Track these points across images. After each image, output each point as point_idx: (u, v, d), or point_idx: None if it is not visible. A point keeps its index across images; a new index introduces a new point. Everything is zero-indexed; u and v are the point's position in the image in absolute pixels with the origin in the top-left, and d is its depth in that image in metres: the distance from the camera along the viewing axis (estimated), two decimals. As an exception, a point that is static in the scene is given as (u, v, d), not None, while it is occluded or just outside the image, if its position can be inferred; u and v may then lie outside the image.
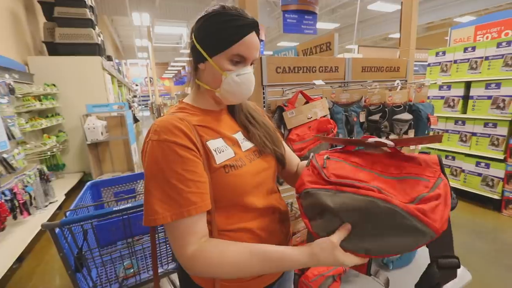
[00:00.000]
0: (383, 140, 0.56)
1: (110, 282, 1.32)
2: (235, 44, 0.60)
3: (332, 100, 1.48)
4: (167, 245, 1.42)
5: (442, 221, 0.45)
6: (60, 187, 3.45)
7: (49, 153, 3.43)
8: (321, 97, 1.36)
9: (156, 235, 1.43)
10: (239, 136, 0.71)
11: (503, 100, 2.67)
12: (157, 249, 1.42)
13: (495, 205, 2.85)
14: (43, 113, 3.72)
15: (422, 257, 1.85)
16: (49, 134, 3.67)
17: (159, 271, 1.42)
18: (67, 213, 1.12)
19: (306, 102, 1.34)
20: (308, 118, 1.29)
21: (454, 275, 0.56)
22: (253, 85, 0.67)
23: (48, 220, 2.62)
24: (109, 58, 5.83)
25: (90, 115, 3.79)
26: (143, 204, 0.57)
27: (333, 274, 1.39)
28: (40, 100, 3.43)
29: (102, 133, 3.74)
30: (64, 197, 3.26)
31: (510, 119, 2.65)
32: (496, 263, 2.07)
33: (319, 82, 1.28)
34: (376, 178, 0.53)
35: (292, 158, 0.85)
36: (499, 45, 2.66)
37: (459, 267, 0.55)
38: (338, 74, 1.56)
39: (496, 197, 2.82)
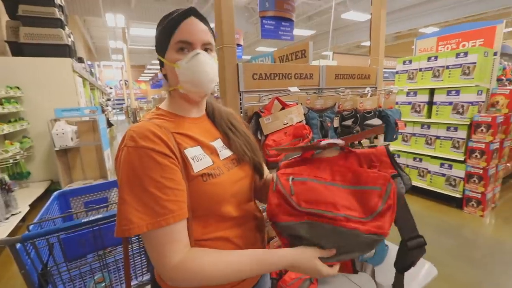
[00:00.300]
0: (333, 140, 0.62)
1: (79, 298, 1.25)
2: (174, 34, 0.62)
3: (307, 106, 1.53)
4: (142, 256, 1.37)
5: (391, 224, 0.55)
6: (24, 197, 3.20)
7: (11, 160, 3.19)
8: (297, 103, 1.40)
9: (130, 246, 1.39)
10: (218, 143, 0.71)
11: (462, 106, 2.91)
12: (131, 260, 1.37)
13: (458, 203, 3.08)
14: (4, 118, 3.45)
15: (393, 256, 1.94)
16: (11, 140, 3.41)
17: (133, 283, 1.36)
18: (30, 227, 1.05)
19: (282, 108, 1.37)
20: (284, 124, 1.32)
21: (423, 251, 0.65)
22: (209, 68, 0.64)
23: (10, 234, 2.42)
24: (80, 60, 5.55)
25: (59, 119, 3.57)
26: (116, 214, 0.55)
27: (310, 277, 1.42)
28: (1, 104, 3.18)
29: (72, 139, 3.54)
30: (28, 208, 3.03)
31: (468, 123, 2.89)
32: (459, 257, 2.23)
33: (294, 89, 1.31)
34: (339, 193, 0.59)
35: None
36: (457, 55, 2.90)
37: (425, 244, 0.64)
38: (312, 81, 1.62)
39: (458, 195, 3.04)
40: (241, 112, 1.38)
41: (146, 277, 1.36)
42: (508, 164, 3.51)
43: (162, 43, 0.64)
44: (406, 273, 2.01)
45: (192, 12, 0.62)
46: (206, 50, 0.65)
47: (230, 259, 0.57)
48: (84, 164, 3.96)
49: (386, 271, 1.82)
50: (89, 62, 7.69)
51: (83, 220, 0.98)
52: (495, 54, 3.07)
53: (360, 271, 0.69)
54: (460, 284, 1.92)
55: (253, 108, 1.37)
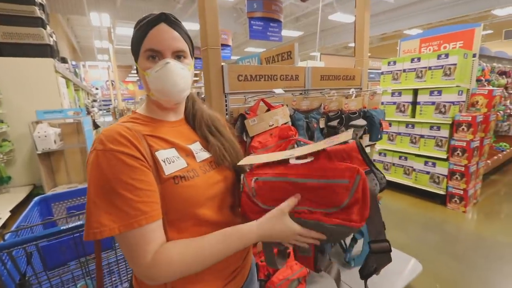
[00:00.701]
0: (300, 154, 0.62)
1: (61, 308, 1.21)
2: (144, 41, 0.61)
3: (293, 107, 1.54)
4: (121, 263, 1.35)
5: (363, 218, 0.54)
6: (5, 203, 3.09)
7: (-10, 165, 3.06)
8: (282, 105, 1.41)
9: (114, 252, 1.35)
10: (196, 146, 0.70)
11: (444, 106, 3.00)
12: (113, 267, 1.34)
13: (442, 200, 3.17)
14: (-18, 121, 3.31)
15: (380, 252, 1.98)
16: (-11, 144, 3.27)
17: (118, 289, 1.34)
18: (6, 236, 1.00)
19: (268, 110, 1.38)
20: (269, 126, 1.32)
21: (388, 260, 0.63)
22: (179, 78, 0.63)
23: (-12, 242, 2.31)
24: (63, 60, 5.38)
25: (41, 122, 3.45)
26: (85, 218, 0.54)
27: (298, 277, 1.43)
28: (-22, 107, 3.05)
29: (55, 142, 3.42)
30: (9, 214, 2.91)
31: (450, 122, 2.98)
32: (443, 253, 2.29)
33: (278, 90, 1.32)
34: (305, 187, 0.59)
35: None
36: (439, 57, 2.99)
37: (390, 251, 0.62)
38: (298, 82, 1.63)
39: (441, 192, 3.13)
40: (226, 114, 1.37)
41: (125, 285, 1.34)
42: (488, 161, 3.65)
43: (135, 48, 0.64)
44: (391, 270, 2.06)
45: (162, 18, 0.61)
46: (179, 57, 0.64)
47: (198, 244, 0.58)
48: (69, 167, 3.84)
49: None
50: (73, 62, 7.46)
51: (62, 227, 0.95)
52: (474, 55, 3.18)
53: (324, 271, 0.69)
54: (444, 279, 1.98)
55: (238, 110, 1.37)
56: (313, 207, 0.57)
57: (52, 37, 4.12)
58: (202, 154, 0.69)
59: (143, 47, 0.61)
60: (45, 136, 3.30)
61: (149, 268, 0.53)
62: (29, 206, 1.46)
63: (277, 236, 0.60)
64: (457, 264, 2.15)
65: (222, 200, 0.70)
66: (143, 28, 0.61)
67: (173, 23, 0.63)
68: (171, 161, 0.61)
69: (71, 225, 0.96)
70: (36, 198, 1.57)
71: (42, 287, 1.09)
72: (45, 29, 3.85)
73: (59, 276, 1.18)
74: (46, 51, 3.83)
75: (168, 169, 0.60)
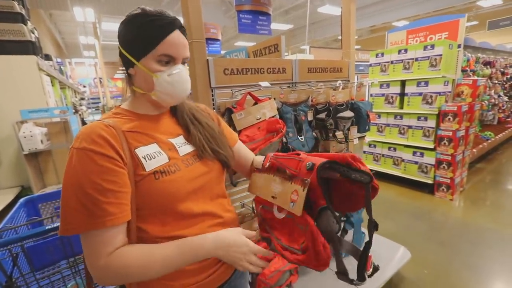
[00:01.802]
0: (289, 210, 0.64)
1: (52, 308, 1.19)
2: (159, 44, 0.60)
3: (281, 101, 1.54)
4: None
5: (319, 264, 0.58)
6: (-9, 206, 3.00)
7: (-27, 167, 2.96)
8: (269, 98, 1.41)
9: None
10: (179, 140, 0.70)
11: (431, 96, 3.05)
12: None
13: (429, 189, 3.26)
14: (-38, 122, 3.19)
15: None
16: (-28, 146, 3.16)
17: None
18: (-10, 237, 0.98)
19: (255, 103, 1.37)
20: (257, 119, 1.32)
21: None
22: (187, 84, 0.67)
23: (-25, 246, 2.26)
24: (47, 57, 5.22)
25: (26, 121, 3.36)
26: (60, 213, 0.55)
27: (289, 268, 1.45)
28: (-43, 107, 2.94)
29: (42, 141, 3.34)
30: (-4, 217, 2.84)
31: (437, 112, 3.04)
32: (431, 240, 2.36)
33: (264, 83, 1.32)
34: (290, 225, 0.66)
35: (247, 154, 0.88)
36: (425, 48, 3.03)
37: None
38: (285, 75, 1.62)
39: (429, 181, 3.21)
40: (213, 109, 1.36)
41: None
42: (474, 150, 3.75)
43: (139, 46, 0.61)
44: (381, 258, 2.10)
45: (178, 25, 0.62)
46: (183, 63, 0.66)
47: (155, 251, 0.58)
48: (58, 168, 3.76)
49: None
50: (58, 60, 7.23)
51: (47, 227, 0.94)
52: (459, 46, 3.23)
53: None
54: (432, 265, 2.05)
55: (225, 104, 1.36)
56: (286, 243, 0.64)
57: (34, 33, 3.97)
58: (185, 148, 0.69)
59: (157, 51, 0.61)
60: (31, 136, 3.21)
61: (101, 270, 0.54)
62: (15, 208, 1.43)
63: (231, 249, 0.63)
64: (444, 250, 2.22)
65: (207, 191, 0.70)
66: (158, 31, 0.60)
67: (184, 30, 0.65)
68: (152, 157, 0.61)
69: (56, 224, 0.95)
70: (22, 199, 1.54)
71: (29, 288, 1.08)
72: (25, 25, 3.71)
73: (48, 276, 1.16)
74: (28, 48, 3.70)
75: (149, 165, 0.60)
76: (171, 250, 0.58)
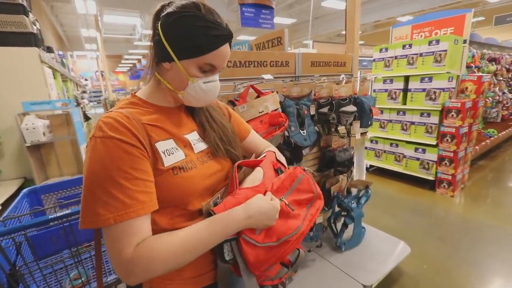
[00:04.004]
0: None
1: (55, 297, 1.21)
2: (209, 54, 0.59)
3: (283, 94, 1.53)
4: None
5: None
6: (-6, 197, 3.03)
7: (-23, 159, 2.98)
8: (272, 91, 1.40)
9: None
10: (193, 136, 0.70)
11: (434, 92, 3.03)
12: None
13: (431, 185, 3.25)
14: (-35, 114, 3.20)
15: (370, 237, 2.04)
16: (-25, 137, 3.18)
17: (110, 278, 1.35)
18: (-6, 226, 0.99)
19: (258, 97, 1.36)
20: (259, 112, 1.31)
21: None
22: (218, 92, 0.68)
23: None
24: (49, 50, 5.20)
25: (28, 113, 3.37)
26: (81, 206, 0.53)
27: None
28: (-40, 98, 2.94)
29: (44, 134, 3.35)
30: (0, 207, 2.87)
31: (440, 109, 3.02)
32: (431, 235, 2.37)
33: (267, 76, 1.31)
34: None
35: (258, 146, 0.88)
36: (430, 43, 2.99)
37: None
38: (288, 68, 1.61)
39: (431, 178, 3.21)
40: (216, 101, 1.36)
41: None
42: (476, 147, 3.73)
43: (187, 48, 0.58)
44: (381, 252, 2.11)
45: (230, 38, 0.62)
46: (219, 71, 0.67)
47: (184, 232, 0.56)
48: (60, 160, 3.78)
49: (364, 252, 1.91)
50: (60, 52, 7.19)
51: (50, 217, 0.94)
52: (464, 42, 3.19)
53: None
54: (431, 260, 2.05)
55: (228, 97, 1.35)
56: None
57: (35, 25, 3.95)
58: (199, 145, 0.70)
59: (204, 59, 0.60)
60: (33, 128, 3.22)
61: (130, 263, 0.50)
62: (18, 198, 1.45)
63: (262, 216, 0.62)
64: (444, 245, 2.22)
65: (220, 188, 0.71)
66: (212, 40, 0.58)
67: (231, 42, 0.64)
68: (171, 153, 0.61)
69: (59, 214, 0.95)
70: (25, 190, 1.56)
71: (33, 276, 1.10)
72: (27, 16, 3.69)
73: (51, 265, 1.18)
74: (29, 40, 3.68)
75: (168, 161, 0.60)
76: (202, 231, 0.56)
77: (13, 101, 3.46)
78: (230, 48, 0.64)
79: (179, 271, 0.64)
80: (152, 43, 0.63)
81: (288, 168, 0.83)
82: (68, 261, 1.22)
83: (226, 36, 0.60)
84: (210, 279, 0.69)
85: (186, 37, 0.57)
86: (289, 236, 0.65)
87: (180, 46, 0.59)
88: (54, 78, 4.84)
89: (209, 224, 0.58)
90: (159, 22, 0.59)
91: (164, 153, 0.60)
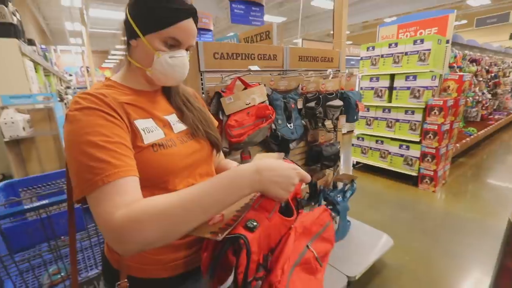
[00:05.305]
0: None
1: (32, 293, 1.17)
2: (170, 27, 0.59)
3: (271, 87, 1.53)
4: (102, 246, 1.32)
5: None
6: (-31, 194, 2.89)
7: (-50, 154, 2.83)
8: (259, 84, 1.40)
9: (87, 234, 1.32)
10: (172, 118, 0.70)
11: (419, 91, 3.11)
12: (88, 251, 1.31)
13: (414, 181, 3.35)
14: None
15: (355, 230, 2.08)
16: None
17: (92, 273, 1.31)
18: (-35, 218, 0.94)
19: (245, 89, 1.36)
20: (246, 104, 1.31)
21: None
22: (186, 70, 0.67)
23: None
24: (30, 42, 4.99)
25: (7, 107, 3.22)
26: (69, 178, 0.52)
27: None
28: None
29: (24, 128, 3.22)
30: (-26, 205, 2.74)
31: (424, 106, 3.11)
32: (414, 229, 2.44)
33: (254, 67, 1.30)
34: None
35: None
36: (415, 42, 3.07)
37: None
38: (276, 62, 1.61)
39: (414, 174, 3.30)
40: (202, 93, 1.35)
41: (101, 268, 1.32)
42: (457, 145, 3.87)
43: (149, 22, 0.60)
44: (365, 245, 2.15)
45: (193, 13, 0.62)
46: (186, 50, 0.66)
47: (183, 190, 0.50)
48: (42, 156, 3.64)
49: (348, 245, 1.94)
50: (43, 46, 6.92)
51: (25, 207, 0.91)
52: (447, 42, 3.30)
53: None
54: (413, 252, 2.12)
55: (215, 89, 1.34)
56: None
57: (15, 15, 3.78)
58: (178, 126, 0.70)
59: (166, 32, 0.60)
60: (12, 123, 3.08)
61: (120, 224, 0.44)
62: (-7, 192, 1.38)
63: (273, 173, 0.52)
64: (425, 238, 2.30)
65: (198, 169, 0.71)
66: (172, 14, 0.59)
67: (197, 19, 0.64)
68: (150, 131, 0.61)
69: (35, 204, 0.92)
70: (1, 183, 1.49)
71: (8, 271, 1.05)
72: (6, 6, 3.53)
73: (28, 260, 1.14)
74: (9, 30, 3.52)
75: (147, 138, 0.60)
76: (204, 187, 0.49)
77: (-9, 94, 3.30)
78: (196, 24, 0.64)
79: (159, 255, 0.63)
80: (123, 25, 0.65)
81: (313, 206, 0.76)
82: (47, 256, 1.18)
83: (186, 11, 0.60)
84: (194, 263, 0.68)
85: (148, 11, 0.59)
86: None
87: (143, 21, 0.60)
88: (36, 71, 4.65)
89: (212, 180, 0.51)
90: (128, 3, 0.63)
91: (143, 130, 0.60)
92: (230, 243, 0.52)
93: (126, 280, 0.62)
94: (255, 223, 0.53)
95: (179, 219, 0.46)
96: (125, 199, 0.47)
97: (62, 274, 1.24)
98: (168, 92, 0.75)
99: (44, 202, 0.94)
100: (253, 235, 0.51)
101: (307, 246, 0.63)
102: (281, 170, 0.53)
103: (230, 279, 0.51)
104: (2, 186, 1.47)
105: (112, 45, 15.40)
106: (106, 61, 21.31)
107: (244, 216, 0.54)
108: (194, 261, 0.68)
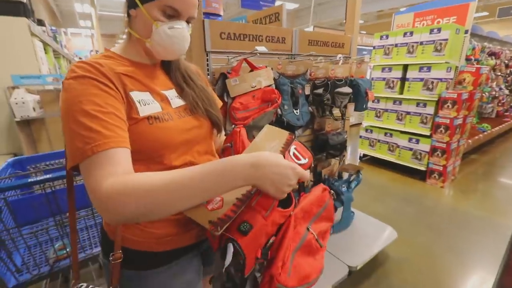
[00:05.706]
0: None
1: (38, 266, 1.20)
2: None
3: (278, 72, 1.49)
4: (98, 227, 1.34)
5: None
6: (-18, 171, 2.98)
7: (-37, 131, 2.90)
8: (266, 66, 1.36)
9: (92, 215, 1.34)
10: (171, 93, 0.68)
11: (432, 82, 3.00)
12: (92, 229, 1.33)
13: (422, 175, 3.28)
14: (-49, 84, 3.08)
15: (358, 222, 2.06)
16: (-39, 109, 3.08)
17: (96, 250, 1.34)
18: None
19: (251, 71, 1.32)
20: (252, 87, 1.28)
21: None
22: (186, 43, 0.65)
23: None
24: (40, 23, 5.00)
25: (18, 87, 3.26)
26: (65, 148, 0.51)
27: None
28: None
29: (34, 109, 3.26)
30: (-13, 181, 2.83)
31: (436, 99, 3.00)
32: (419, 223, 2.41)
33: (261, 48, 1.26)
34: None
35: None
36: (431, 31, 2.94)
37: None
38: (285, 45, 1.56)
39: (422, 168, 3.23)
40: (208, 74, 1.32)
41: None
42: (469, 141, 3.76)
43: None
44: (368, 236, 2.13)
45: None
46: (188, 22, 0.64)
47: (173, 172, 0.48)
48: (51, 137, 3.70)
49: (351, 236, 1.93)
50: (53, 28, 6.92)
51: (29, 180, 0.92)
52: (466, 32, 3.14)
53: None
54: (417, 245, 2.09)
55: (221, 71, 1.31)
56: None
57: (25, -6, 3.77)
58: (177, 101, 0.68)
59: (165, 1, 0.58)
60: (23, 103, 3.12)
61: (109, 191, 0.44)
62: (1, 167, 1.41)
63: (271, 169, 0.50)
64: (430, 233, 2.26)
65: (197, 146, 0.69)
66: None
67: None
68: (146, 103, 0.60)
69: (40, 178, 0.93)
70: (9, 159, 1.51)
71: (15, 243, 1.08)
72: (16, -16, 3.51)
73: (34, 234, 1.16)
74: (18, 9, 3.51)
75: (143, 111, 0.58)
76: (193, 171, 0.48)
77: (2, 73, 3.34)
78: None
79: (152, 228, 0.62)
80: None
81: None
82: (53, 233, 1.21)
83: None
84: (188, 239, 0.68)
85: None
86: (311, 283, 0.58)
87: None
88: (46, 52, 4.67)
89: (205, 166, 0.49)
90: None
91: (139, 102, 0.59)
92: (226, 242, 0.54)
93: (120, 251, 0.62)
94: (248, 226, 0.54)
95: (162, 200, 0.46)
96: (116, 170, 0.47)
97: (67, 249, 1.28)
98: (168, 68, 0.73)
99: (47, 176, 0.94)
100: (246, 239, 0.53)
101: (308, 228, 0.63)
102: (279, 169, 0.51)
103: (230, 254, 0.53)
104: (11, 162, 1.50)
105: (122, 28, 15.35)
106: (116, 44, 21.30)
107: (241, 212, 0.54)
108: (188, 238, 0.68)
